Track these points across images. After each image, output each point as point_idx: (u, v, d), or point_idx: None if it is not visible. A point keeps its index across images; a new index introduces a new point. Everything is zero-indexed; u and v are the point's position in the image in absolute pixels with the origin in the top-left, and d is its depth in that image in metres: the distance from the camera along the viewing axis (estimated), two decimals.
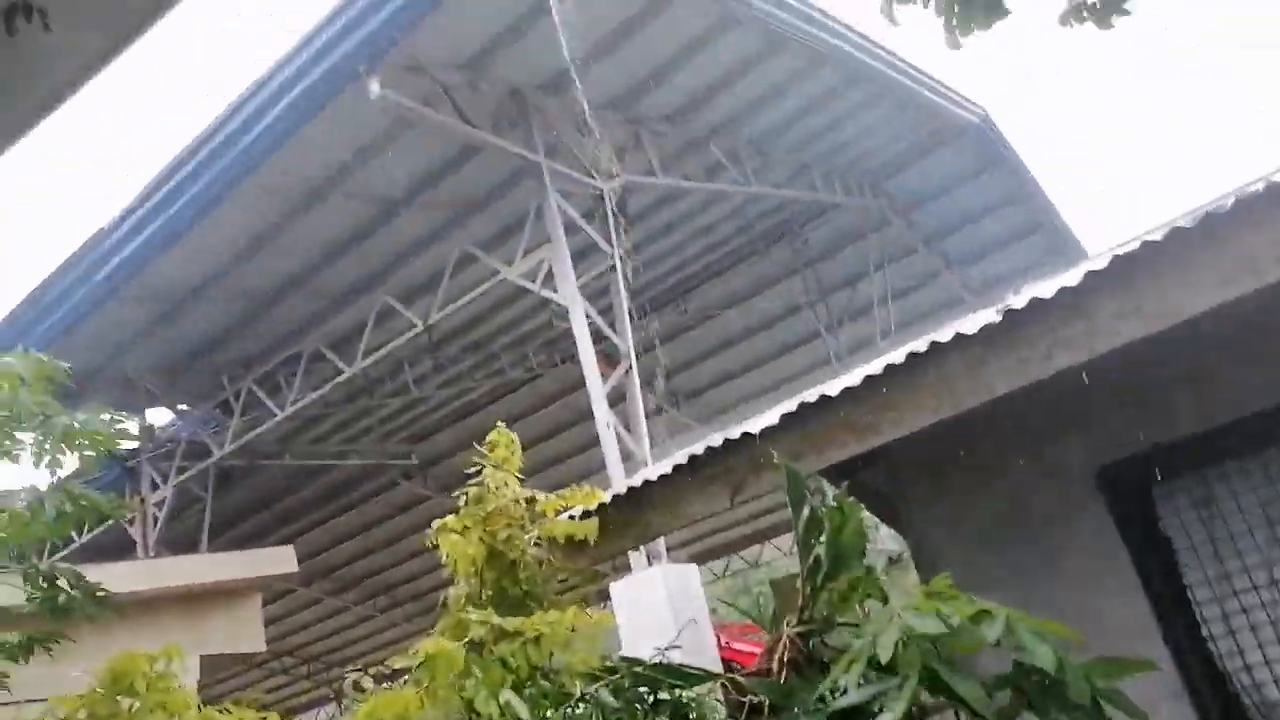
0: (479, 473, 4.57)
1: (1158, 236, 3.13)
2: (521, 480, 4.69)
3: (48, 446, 4.03)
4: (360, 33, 7.98)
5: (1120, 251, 3.22)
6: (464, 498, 4.35)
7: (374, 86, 8.03)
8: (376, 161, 9.63)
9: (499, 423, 4.67)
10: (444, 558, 4.36)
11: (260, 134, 8.64)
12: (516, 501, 4.33)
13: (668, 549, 8.37)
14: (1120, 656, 2.41)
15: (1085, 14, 3.79)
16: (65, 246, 9.87)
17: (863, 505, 4.79)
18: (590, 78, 9.40)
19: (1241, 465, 3.82)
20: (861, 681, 2.54)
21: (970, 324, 3.59)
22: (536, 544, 4.44)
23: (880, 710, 2.47)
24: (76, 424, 4.08)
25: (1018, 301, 3.46)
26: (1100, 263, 3.29)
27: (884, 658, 2.41)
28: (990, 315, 3.54)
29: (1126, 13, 3.75)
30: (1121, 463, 3.92)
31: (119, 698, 3.10)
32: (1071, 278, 3.35)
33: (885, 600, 3.15)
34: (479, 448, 4.48)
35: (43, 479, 4.15)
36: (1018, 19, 3.96)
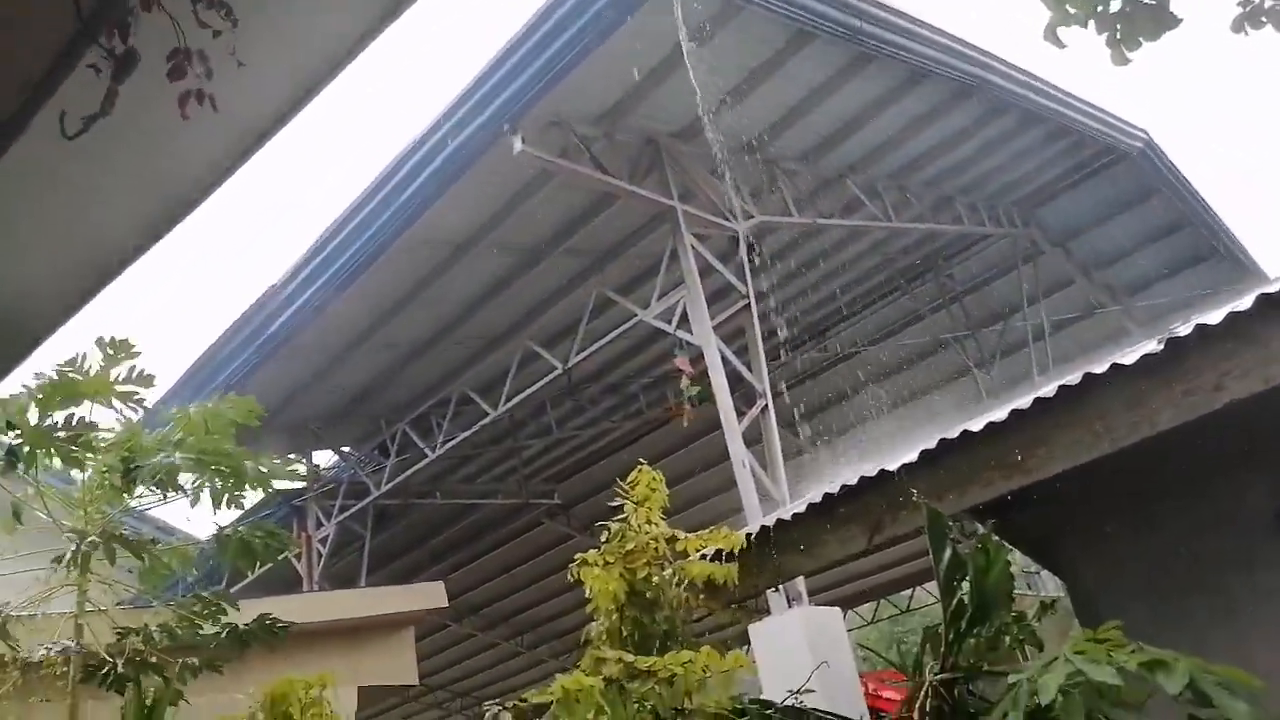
0: (620, 509, 4.63)
1: None
2: (663, 518, 4.70)
3: (231, 484, 4.35)
4: (504, 94, 8.40)
5: None
6: (605, 533, 4.41)
7: (516, 144, 8.41)
8: (518, 213, 10.04)
9: (640, 460, 4.72)
10: (588, 592, 4.41)
11: (414, 193, 9.19)
12: (656, 540, 4.34)
13: (813, 592, 8.15)
14: None
15: (1264, 18, 3.54)
16: (240, 302, 10.71)
17: (1015, 547, 4.53)
18: (723, 122, 9.52)
19: None
20: None
21: (1129, 355, 3.38)
22: (677, 584, 4.43)
23: None
24: (261, 468, 4.40)
25: (1182, 330, 3.23)
26: (1272, 281, 3.03)
27: (1045, 699, 2.26)
28: (1151, 346, 3.32)
29: None
30: None
31: None
32: (1243, 303, 3.10)
33: (1040, 647, 2.97)
34: (620, 484, 4.53)
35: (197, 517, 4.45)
36: (1185, 30, 3.74)
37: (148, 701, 4.04)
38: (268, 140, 3.40)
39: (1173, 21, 3.59)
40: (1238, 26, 3.52)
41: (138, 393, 4.18)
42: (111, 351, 4.02)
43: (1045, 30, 3.85)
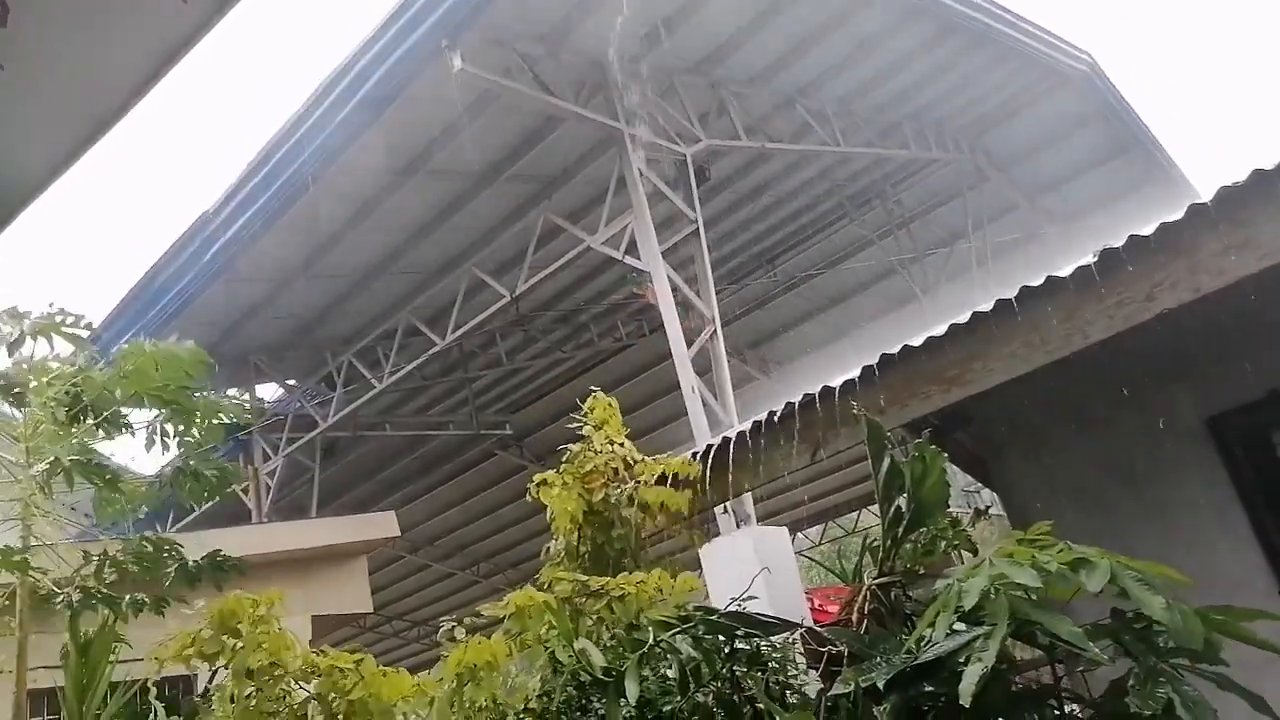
0: (579, 431, 4.67)
1: (1269, 167, 2.90)
2: (622, 443, 4.75)
3: (184, 423, 4.31)
4: (441, 8, 8.07)
5: (1226, 184, 3.01)
6: (567, 455, 4.45)
7: (456, 61, 8.11)
8: (461, 137, 9.75)
9: (593, 388, 4.75)
10: (548, 513, 4.46)
11: (350, 114, 8.85)
12: (614, 461, 4.38)
13: (762, 516, 8.32)
14: (1233, 606, 2.27)
15: None
16: (171, 230, 10.32)
17: (957, 465, 4.65)
18: (671, 42, 9.29)
19: None
20: (950, 632, 2.46)
21: (1064, 269, 3.43)
22: (631, 504, 4.48)
23: (967, 661, 2.39)
24: (210, 402, 4.35)
25: (1114, 242, 3.28)
26: (1205, 198, 3.08)
27: (968, 604, 2.33)
28: (1086, 258, 3.37)
29: None
30: (1236, 411, 3.69)
31: (224, 638, 3.29)
32: (1174, 215, 3.15)
33: (975, 551, 3.06)
34: (579, 410, 4.56)
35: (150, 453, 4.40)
36: None
37: (88, 634, 4.02)
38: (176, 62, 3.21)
39: None
40: None
41: (82, 336, 4.13)
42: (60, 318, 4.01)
43: None
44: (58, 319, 4.10)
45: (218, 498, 4.66)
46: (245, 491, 12.26)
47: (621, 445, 4.54)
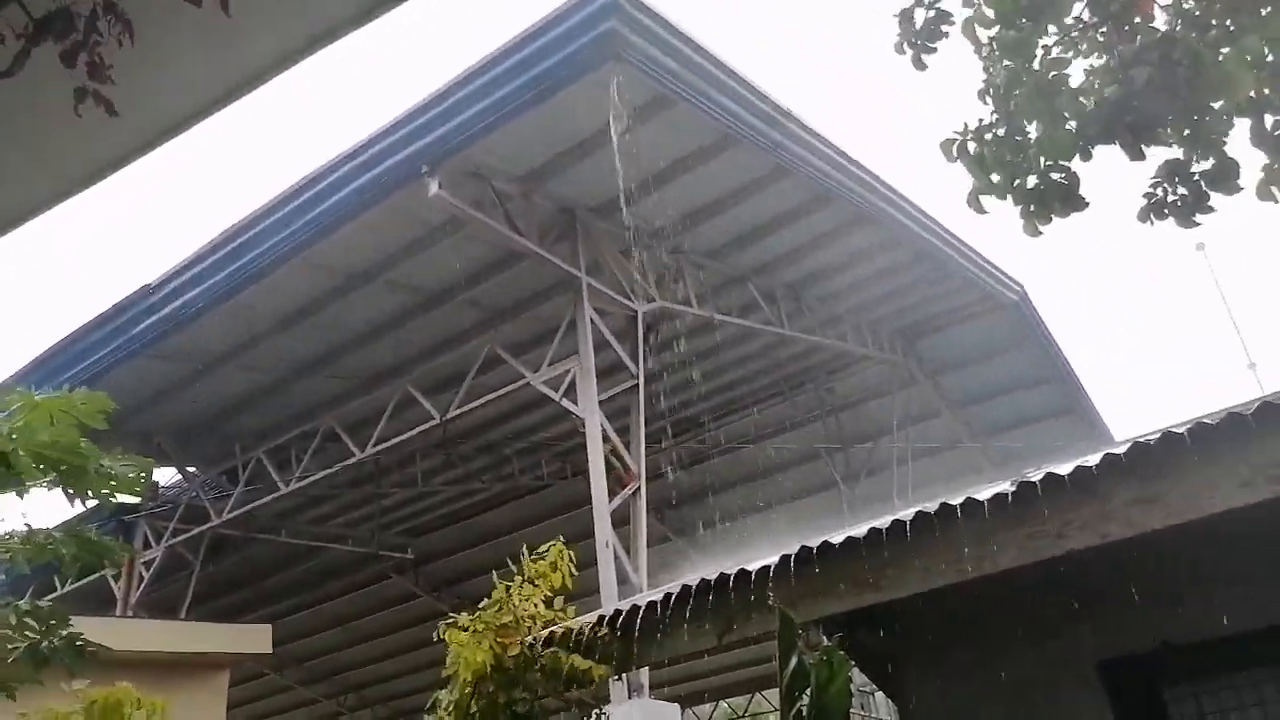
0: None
1: (1180, 430, 3.10)
2: (548, 601, 4.55)
3: (74, 484, 4.01)
4: (430, 136, 8.37)
5: (1141, 440, 3.20)
6: (486, 600, 4.27)
7: (433, 186, 8.35)
8: (423, 255, 9.90)
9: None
10: (449, 657, 4.25)
11: (318, 215, 8.96)
12: (535, 620, 4.21)
13: (655, 685, 8.06)
14: None
15: (1166, 211, 3.79)
16: (108, 297, 10.05)
17: (856, 664, 4.60)
18: (641, 205, 9.72)
19: (1273, 673, 3.65)
20: None
21: (983, 492, 3.54)
22: (540, 670, 4.29)
23: None
24: (106, 466, 4.07)
25: (1033, 475, 3.42)
26: (1120, 448, 3.26)
27: None
28: (1004, 486, 3.50)
29: (1211, 210, 3.74)
30: (1128, 659, 3.77)
31: None
32: (1090, 460, 3.32)
33: None
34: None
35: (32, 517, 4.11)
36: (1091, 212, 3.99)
37: None
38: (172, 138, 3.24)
39: (1081, 204, 3.85)
40: (1143, 217, 3.77)
41: None
42: None
43: (968, 196, 4.06)
44: None
45: (90, 575, 4.32)
46: (116, 578, 11.44)
47: (540, 607, 4.37)
